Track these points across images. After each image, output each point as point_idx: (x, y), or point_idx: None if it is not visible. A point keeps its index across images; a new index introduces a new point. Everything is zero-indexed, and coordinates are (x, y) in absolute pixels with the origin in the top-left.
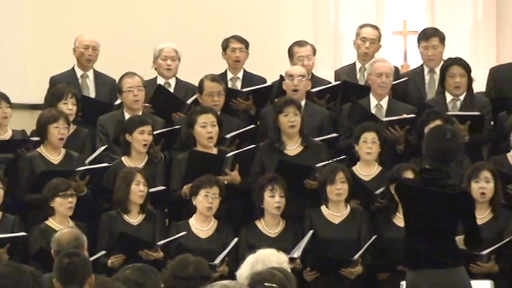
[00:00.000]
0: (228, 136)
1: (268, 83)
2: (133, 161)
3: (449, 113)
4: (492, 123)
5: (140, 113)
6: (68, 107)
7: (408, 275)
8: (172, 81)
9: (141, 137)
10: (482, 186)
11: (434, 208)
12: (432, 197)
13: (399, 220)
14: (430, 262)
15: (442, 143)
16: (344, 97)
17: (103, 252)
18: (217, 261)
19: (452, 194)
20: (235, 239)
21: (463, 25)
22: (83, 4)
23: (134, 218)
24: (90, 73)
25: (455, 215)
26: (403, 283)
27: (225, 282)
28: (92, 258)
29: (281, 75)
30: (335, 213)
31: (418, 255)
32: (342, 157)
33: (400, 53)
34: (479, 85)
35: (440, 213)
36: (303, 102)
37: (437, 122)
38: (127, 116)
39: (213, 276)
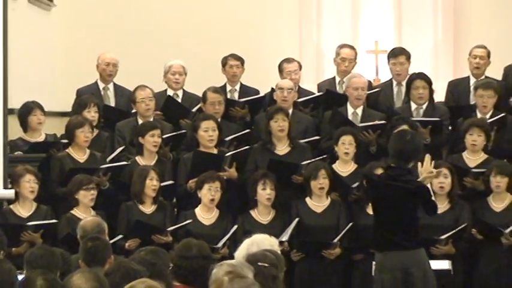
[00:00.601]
0: (227, 139)
1: (261, 94)
2: (146, 160)
3: (413, 119)
4: (450, 128)
5: (151, 119)
6: (91, 114)
7: (377, 256)
8: (180, 93)
9: (151, 139)
10: (441, 181)
11: (397, 200)
12: (395, 191)
13: (371, 209)
14: (395, 245)
15: (402, 144)
16: (326, 105)
17: (120, 236)
18: (219, 244)
19: (411, 187)
20: (235, 226)
21: (426, 45)
22: (104, 28)
23: (148, 208)
24: (111, 86)
25: (414, 205)
26: (374, 263)
27: (232, 261)
28: (111, 241)
29: (272, 88)
30: (317, 203)
31: (385, 239)
32: (323, 156)
33: (372, 69)
34: (439, 96)
35: (402, 204)
36: (290, 110)
37: (404, 127)
38: (140, 122)
39: (215, 257)
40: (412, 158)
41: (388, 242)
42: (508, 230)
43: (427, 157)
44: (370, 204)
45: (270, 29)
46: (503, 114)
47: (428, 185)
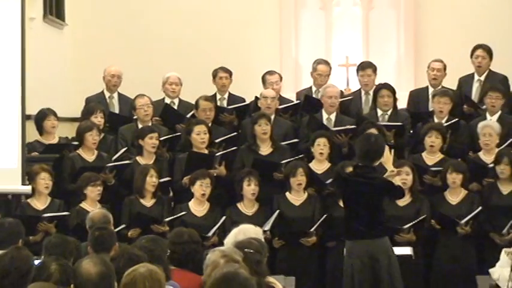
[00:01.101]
0: (217, 141)
1: (247, 102)
2: (145, 160)
3: (380, 123)
4: (411, 131)
5: (150, 124)
6: (98, 119)
7: (347, 244)
8: (176, 101)
9: (150, 141)
10: (404, 177)
11: (364, 194)
12: (362, 186)
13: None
14: (362, 234)
15: (368, 146)
16: (303, 111)
17: (124, 226)
18: (210, 233)
19: (376, 183)
20: (224, 217)
21: (390, 59)
22: (109, 44)
23: (148, 202)
24: (115, 95)
25: (379, 199)
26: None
27: (224, 248)
28: (116, 231)
29: (256, 96)
30: (296, 198)
31: (354, 229)
32: (301, 156)
33: (343, 80)
34: (402, 103)
35: (369, 198)
36: (272, 116)
37: (372, 131)
38: (140, 126)
39: (207, 244)
40: (376, 158)
41: (357, 231)
42: (462, 221)
43: (387, 150)
44: (341, 198)
45: (254, 45)
46: (457, 119)
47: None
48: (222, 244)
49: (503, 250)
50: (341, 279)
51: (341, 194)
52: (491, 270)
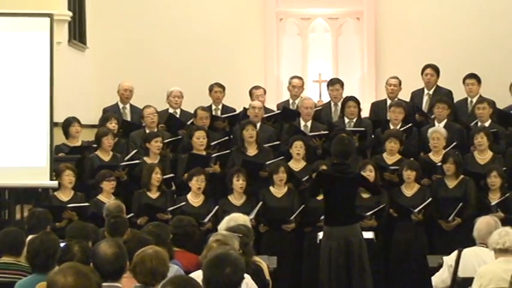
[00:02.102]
0: (212, 144)
1: (237, 111)
2: (151, 159)
3: (347, 129)
4: (372, 135)
5: (155, 130)
6: (112, 125)
7: (324, 229)
8: (178, 111)
9: (155, 144)
10: (368, 174)
11: (341, 187)
12: (339, 180)
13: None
14: (338, 221)
15: (342, 146)
16: (283, 120)
17: (132, 214)
18: (205, 220)
19: (352, 177)
20: (216, 207)
21: (355, 76)
22: (123, 64)
23: (154, 194)
24: (128, 106)
25: (355, 191)
26: (319, 234)
27: (224, 232)
28: (127, 217)
29: (244, 107)
30: (278, 191)
31: (331, 216)
32: (281, 158)
33: (317, 93)
34: (365, 112)
35: (345, 190)
36: (259, 124)
37: (343, 135)
38: (147, 132)
39: (202, 229)
40: (349, 155)
41: (335, 219)
42: (415, 210)
43: None
44: (315, 191)
45: (243, 65)
46: (410, 125)
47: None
48: (215, 229)
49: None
50: (315, 258)
51: (318, 188)
52: (433, 278)
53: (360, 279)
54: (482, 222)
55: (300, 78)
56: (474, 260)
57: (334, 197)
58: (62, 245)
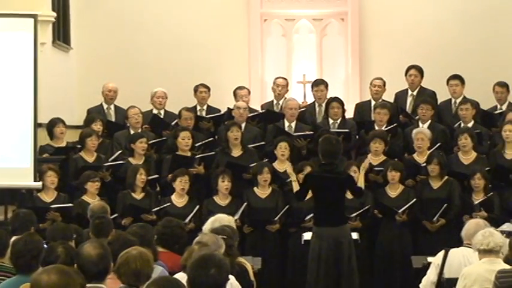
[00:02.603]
0: (197, 145)
1: (222, 112)
2: (136, 160)
3: (331, 130)
4: (357, 136)
5: (140, 131)
6: (97, 127)
7: (314, 229)
8: (162, 112)
9: (140, 145)
10: (352, 175)
11: (331, 187)
12: (328, 181)
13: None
14: (328, 222)
15: (330, 146)
16: (267, 121)
17: (116, 215)
18: (187, 220)
19: (340, 177)
20: (197, 207)
21: (339, 77)
22: (107, 65)
23: (138, 195)
24: (112, 107)
25: (344, 191)
26: (304, 234)
27: (211, 235)
28: (112, 218)
29: (228, 107)
30: (262, 192)
31: (321, 217)
32: (266, 160)
33: (301, 94)
34: (349, 113)
35: (335, 190)
36: (243, 124)
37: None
38: (132, 132)
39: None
40: (337, 155)
41: (325, 219)
42: (400, 211)
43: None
44: (303, 195)
45: (228, 66)
46: (395, 125)
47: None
48: (199, 229)
49: None
50: (300, 258)
51: (306, 192)
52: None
53: (349, 280)
54: (471, 223)
55: (285, 78)
56: (461, 260)
57: (324, 198)
58: (45, 246)
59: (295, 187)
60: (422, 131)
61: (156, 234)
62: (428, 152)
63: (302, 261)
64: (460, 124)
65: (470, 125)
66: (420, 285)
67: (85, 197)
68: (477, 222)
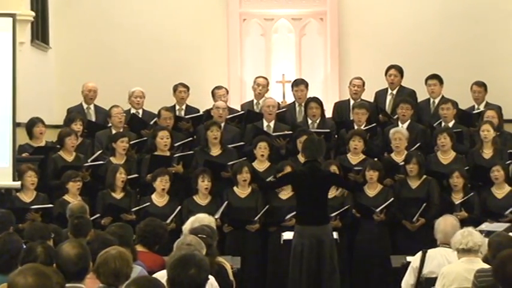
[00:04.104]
0: (176, 144)
1: (201, 112)
2: (117, 160)
3: (311, 130)
4: (336, 136)
5: (121, 130)
6: (77, 126)
7: (296, 228)
8: (140, 111)
9: (121, 145)
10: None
11: (314, 185)
12: (311, 178)
13: (282, 195)
14: (310, 221)
15: (314, 146)
16: (247, 121)
17: (98, 215)
18: (168, 221)
19: (324, 175)
20: (179, 207)
21: (319, 77)
22: (86, 64)
23: (118, 194)
24: (92, 106)
25: (326, 189)
26: (283, 234)
27: (192, 237)
28: (91, 219)
29: (207, 110)
30: (242, 191)
31: (303, 216)
32: (244, 159)
33: (280, 94)
34: (328, 113)
35: (317, 188)
36: (222, 124)
37: (304, 136)
38: (113, 132)
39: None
40: (321, 155)
41: (307, 218)
42: (377, 210)
43: None
44: (277, 185)
45: (207, 65)
46: (374, 124)
47: None
48: (180, 229)
49: None
50: (280, 258)
51: (283, 184)
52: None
53: (330, 279)
54: (446, 224)
55: (265, 78)
56: (439, 260)
57: (307, 196)
58: (24, 246)
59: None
60: (399, 130)
61: (138, 233)
62: (406, 151)
63: (282, 261)
64: (440, 123)
65: (451, 124)
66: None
67: (66, 197)
68: (452, 223)
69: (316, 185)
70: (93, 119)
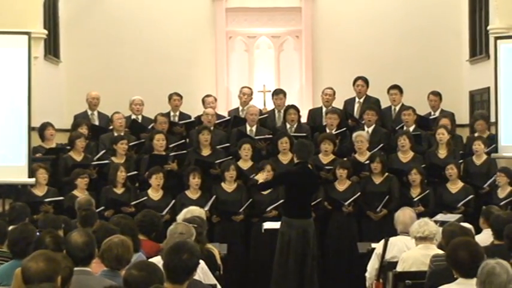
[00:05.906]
0: (170, 146)
1: (192, 118)
2: (118, 159)
3: (291, 134)
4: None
5: (122, 133)
6: (83, 130)
7: (284, 219)
8: (140, 117)
9: (121, 146)
10: None
11: (305, 183)
12: (301, 177)
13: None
14: (298, 214)
15: (304, 147)
16: (233, 125)
17: (102, 208)
18: (164, 212)
19: (314, 175)
20: (173, 201)
21: (295, 86)
22: (91, 77)
23: (119, 190)
24: (96, 113)
25: (314, 187)
26: (264, 224)
27: (183, 223)
28: (97, 211)
29: (198, 116)
30: (229, 186)
31: (292, 210)
32: (230, 158)
33: (261, 102)
34: (304, 119)
35: (308, 185)
36: (212, 128)
37: (285, 139)
38: (115, 135)
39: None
40: (311, 155)
41: (295, 212)
42: (346, 203)
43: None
44: (270, 187)
45: (198, 77)
46: (344, 129)
47: None
48: (174, 220)
49: None
50: (261, 244)
51: (277, 186)
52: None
53: (312, 261)
54: (405, 216)
55: (250, 88)
56: (400, 246)
57: (297, 192)
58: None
59: (260, 179)
60: (361, 133)
61: (136, 223)
62: (368, 152)
63: (263, 247)
64: (402, 127)
65: (411, 128)
66: (366, 273)
67: (75, 192)
68: (410, 214)
69: (307, 184)
70: (97, 124)
